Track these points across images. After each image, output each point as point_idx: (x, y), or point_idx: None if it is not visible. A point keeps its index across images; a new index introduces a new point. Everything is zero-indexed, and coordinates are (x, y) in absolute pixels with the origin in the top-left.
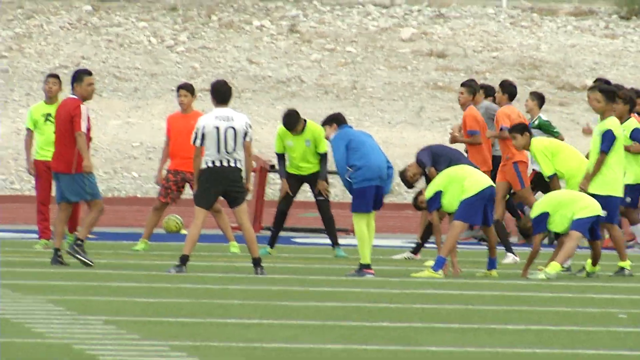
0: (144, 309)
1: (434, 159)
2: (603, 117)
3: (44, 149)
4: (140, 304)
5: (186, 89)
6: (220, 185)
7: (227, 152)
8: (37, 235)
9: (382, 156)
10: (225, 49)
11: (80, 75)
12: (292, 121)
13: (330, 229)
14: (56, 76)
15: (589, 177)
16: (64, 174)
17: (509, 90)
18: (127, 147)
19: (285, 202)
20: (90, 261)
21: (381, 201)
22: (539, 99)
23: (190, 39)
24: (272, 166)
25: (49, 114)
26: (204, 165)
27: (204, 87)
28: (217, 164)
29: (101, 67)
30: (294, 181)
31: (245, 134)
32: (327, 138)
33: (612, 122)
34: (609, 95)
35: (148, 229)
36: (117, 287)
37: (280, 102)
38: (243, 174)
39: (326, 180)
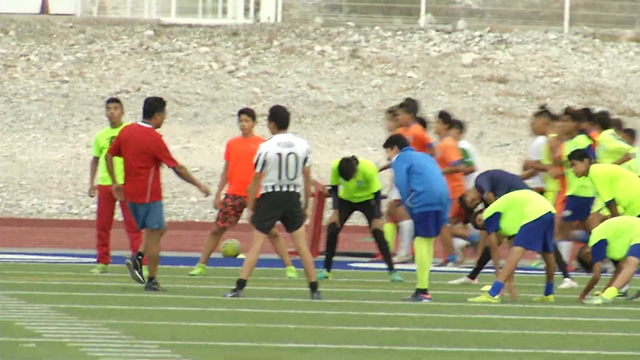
0: (200, 333)
1: (493, 184)
2: None
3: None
4: (196, 328)
5: (248, 113)
6: (279, 210)
7: (289, 179)
8: (95, 260)
9: (443, 181)
10: (286, 74)
11: (162, 106)
12: (349, 171)
13: (385, 254)
14: (117, 100)
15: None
16: (141, 204)
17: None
18: None
19: (334, 226)
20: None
21: (441, 224)
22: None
23: (252, 64)
24: (330, 191)
25: (114, 137)
26: (263, 190)
27: (264, 112)
28: (277, 189)
29: (162, 92)
30: (345, 207)
31: (306, 160)
32: (388, 160)
33: None
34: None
35: (206, 254)
36: (173, 312)
37: (341, 127)
38: (302, 198)
39: (380, 217)
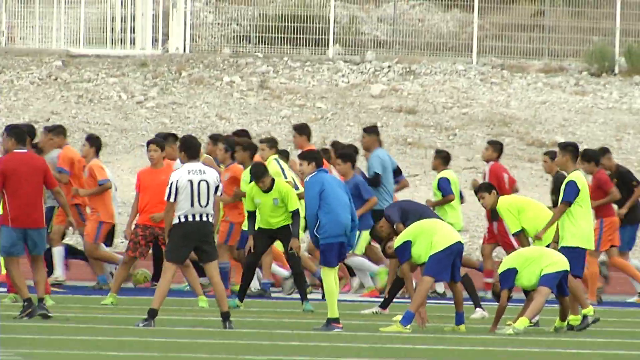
0: None
1: (403, 215)
2: (568, 172)
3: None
4: (108, 357)
5: (156, 143)
6: (192, 241)
7: (201, 206)
8: (5, 290)
9: (349, 210)
10: (195, 104)
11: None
12: (259, 172)
13: (299, 284)
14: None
15: (546, 227)
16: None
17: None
18: None
19: (254, 257)
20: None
21: (344, 255)
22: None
23: (161, 94)
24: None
25: None
26: (176, 220)
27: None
28: (190, 218)
29: (71, 122)
30: (265, 237)
31: (217, 188)
32: (301, 173)
33: (576, 175)
34: (567, 148)
35: (117, 283)
36: (85, 341)
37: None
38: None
39: (298, 238)
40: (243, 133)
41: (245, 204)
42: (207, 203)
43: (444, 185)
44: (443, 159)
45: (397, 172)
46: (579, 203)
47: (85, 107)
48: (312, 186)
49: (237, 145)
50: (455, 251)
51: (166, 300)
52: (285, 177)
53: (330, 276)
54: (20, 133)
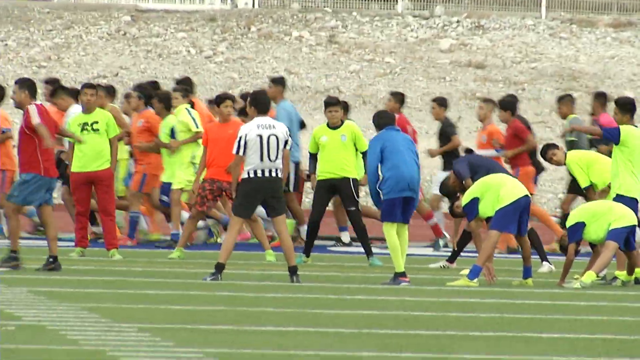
0: (179, 316)
1: (472, 170)
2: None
3: (82, 160)
4: (175, 311)
5: (231, 99)
6: (260, 196)
7: (270, 160)
8: (72, 243)
9: (414, 166)
10: (264, 59)
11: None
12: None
13: (363, 239)
14: (94, 86)
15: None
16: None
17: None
18: None
19: (317, 213)
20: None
21: (412, 209)
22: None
23: (229, 49)
24: (309, 175)
25: (86, 123)
26: (244, 175)
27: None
28: (259, 174)
29: (140, 77)
30: (324, 191)
31: (286, 142)
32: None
33: (627, 129)
34: (626, 107)
35: (184, 237)
36: (152, 295)
37: (319, 112)
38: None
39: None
40: (154, 85)
41: (309, 145)
42: (277, 157)
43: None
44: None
45: (302, 126)
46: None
47: (154, 62)
48: (374, 144)
49: (155, 96)
50: (522, 205)
51: (234, 255)
52: (197, 127)
53: (392, 231)
54: (32, 85)
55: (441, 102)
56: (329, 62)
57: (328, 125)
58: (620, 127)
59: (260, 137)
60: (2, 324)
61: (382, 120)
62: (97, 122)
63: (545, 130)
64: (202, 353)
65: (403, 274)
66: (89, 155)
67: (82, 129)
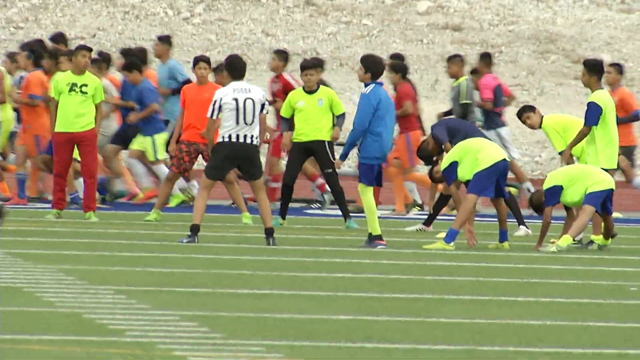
0: (155, 279)
1: (450, 134)
2: (592, 90)
3: (66, 121)
4: (151, 274)
5: (207, 62)
6: (234, 162)
7: (246, 124)
8: (49, 205)
9: (392, 133)
10: (241, 21)
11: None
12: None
13: (340, 201)
14: (90, 49)
15: (568, 149)
16: None
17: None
18: None
19: (290, 176)
20: None
21: (381, 174)
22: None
23: (207, 11)
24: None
25: (75, 84)
26: (220, 139)
27: (219, 60)
28: (234, 138)
29: (117, 38)
30: (299, 154)
31: (263, 106)
32: (361, 81)
33: (597, 95)
34: (595, 68)
35: (160, 200)
36: (128, 257)
37: (296, 74)
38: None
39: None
40: (41, 43)
41: (283, 109)
42: (253, 121)
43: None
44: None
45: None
46: (601, 124)
47: (132, 24)
48: (370, 99)
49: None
50: (500, 168)
51: (210, 217)
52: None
53: (369, 194)
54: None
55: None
56: (306, 24)
57: (304, 89)
58: (598, 102)
59: (236, 100)
60: None
61: (378, 67)
62: (86, 85)
63: (523, 93)
64: (179, 316)
65: (379, 237)
66: (74, 116)
67: (71, 89)
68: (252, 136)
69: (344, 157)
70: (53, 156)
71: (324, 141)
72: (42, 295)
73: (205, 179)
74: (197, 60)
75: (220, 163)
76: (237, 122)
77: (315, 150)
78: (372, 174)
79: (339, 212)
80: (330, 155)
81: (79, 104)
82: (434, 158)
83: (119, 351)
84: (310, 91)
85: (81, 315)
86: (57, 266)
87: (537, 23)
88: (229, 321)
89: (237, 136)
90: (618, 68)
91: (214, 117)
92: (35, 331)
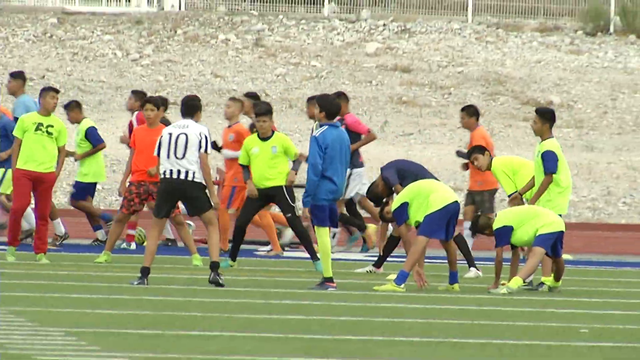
0: (106, 320)
1: (400, 175)
2: (543, 139)
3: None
4: (101, 315)
5: (153, 102)
6: (174, 197)
7: (177, 158)
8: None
9: (344, 173)
10: (190, 62)
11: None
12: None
13: (305, 242)
14: (57, 91)
15: (535, 198)
16: None
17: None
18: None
19: (244, 219)
20: None
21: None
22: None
23: (156, 52)
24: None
25: (41, 124)
26: (160, 175)
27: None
28: (168, 175)
29: (66, 79)
30: (256, 199)
31: (200, 144)
32: (311, 117)
33: (551, 143)
34: (546, 116)
35: (111, 241)
36: (78, 299)
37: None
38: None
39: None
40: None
41: (240, 157)
42: (184, 156)
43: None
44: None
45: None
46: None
47: (81, 65)
48: (318, 143)
49: None
50: (451, 211)
51: (161, 259)
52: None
53: (324, 236)
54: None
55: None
56: (255, 66)
57: (258, 135)
58: (554, 150)
59: (170, 134)
60: None
61: (333, 108)
62: (52, 126)
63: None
64: (129, 358)
65: (330, 279)
66: (38, 156)
67: (37, 129)
68: (186, 172)
69: (306, 203)
70: (14, 190)
71: (281, 186)
72: None
73: (153, 218)
74: (144, 102)
75: (161, 200)
76: (168, 156)
77: (274, 196)
78: (324, 214)
79: (290, 254)
80: (289, 199)
81: (45, 145)
82: (384, 199)
83: None
84: (264, 138)
85: (31, 356)
86: (7, 308)
87: (486, 64)
88: None
89: (171, 172)
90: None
91: (155, 153)
92: None
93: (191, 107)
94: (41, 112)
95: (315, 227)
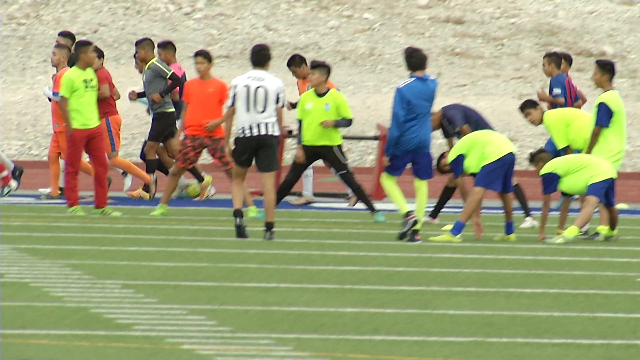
0: (162, 273)
1: (465, 119)
2: (603, 90)
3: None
4: (158, 268)
5: (203, 55)
6: (253, 149)
7: (257, 111)
8: (51, 201)
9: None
10: (242, 15)
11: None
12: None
13: (362, 197)
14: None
15: (587, 151)
16: None
17: None
18: (144, 114)
19: (294, 174)
20: None
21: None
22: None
23: (208, 5)
24: (290, 132)
25: (86, 80)
26: (235, 134)
27: (221, 54)
28: (247, 131)
29: (118, 34)
30: (307, 154)
31: (278, 98)
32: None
33: (609, 96)
34: (606, 68)
35: (166, 194)
36: (135, 252)
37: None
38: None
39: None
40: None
41: (297, 110)
42: (264, 109)
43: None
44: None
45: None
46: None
47: (133, 19)
48: (402, 95)
49: None
50: (507, 162)
51: (216, 211)
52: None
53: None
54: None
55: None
56: (308, 18)
57: (315, 91)
58: (608, 103)
59: (248, 87)
60: None
61: (415, 60)
62: (92, 79)
63: (525, 86)
64: (186, 310)
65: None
66: (90, 112)
67: (86, 87)
68: (266, 125)
69: (387, 152)
70: (70, 152)
71: (331, 147)
72: (50, 290)
73: (236, 167)
74: (196, 54)
75: (240, 154)
76: (248, 110)
77: (324, 156)
78: (399, 163)
79: (341, 206)
80: (340, 157)
81: (92, 99)
82: (443, 153)
83: (126, 345)
84: (319, 94)
85: (89, 309)
86: (64, 261)
87: (539, 16)
88: (236, 314)
89: (251, 127)
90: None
91: (229, 104)
92: (42, 326)
93: (264, 57)
94: (82, 67)
95: (383, 174)
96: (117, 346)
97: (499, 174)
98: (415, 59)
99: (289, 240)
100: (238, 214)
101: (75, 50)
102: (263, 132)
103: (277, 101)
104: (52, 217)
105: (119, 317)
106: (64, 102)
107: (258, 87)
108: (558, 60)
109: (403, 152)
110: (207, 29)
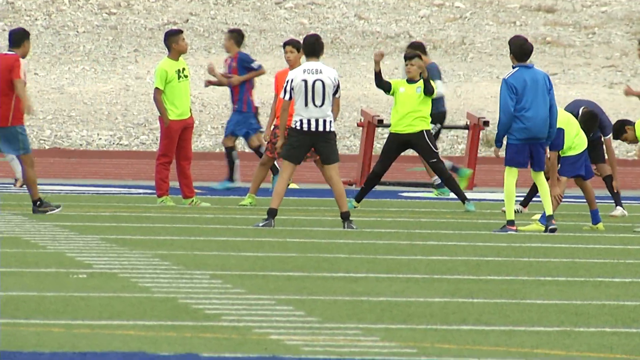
0: (251, 263)
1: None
2: None
3: (181, 108)
4: (246, 258)
5: (292, 45)
6: (309, 146)
7: (316, 106)
8: (140, 191)
9: (543, 112)
10: (333, 4)
11: (27, 35)
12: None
13: (453, 187)
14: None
15: None
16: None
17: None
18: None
19: (382, 166)
20: (57, 205)
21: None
22: None
23: None
24: (380, 121)
25: (179, 70)
26: (292, 124)
27: None
28: (305, 125)
29: (210, 23)
30: (395, 145)
31: (335, 90)
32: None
33: None
34: None
35: (255, 184)
36: (223, 242)
37: (389, 57)
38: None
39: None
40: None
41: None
42: (323, 103)
43: None
44: None
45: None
46: None
47: (224, 8)
48: (508, 86)
49: None
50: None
51: (304, 201)
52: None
53: (510, 176)
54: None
55: None
56: (399, 7)
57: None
58: None
59: (305, 81)
60: (73, 272)
61: (520, 50)
62: (184, 69)
63: (616, 75)
64: (274, 300)
65: (512, 222)
66: (185, 102)
67: (179, 77)
68: (324, 121)
69: (497, 144)
70: (165, 143)
71: (422, 132)
72: (138, 281)
73: (285, 162)
74: (285, 44)
75: (296, 150)
76: (306, 104)
77: (415, 143)
78: (513, 153)
79: (429, 196)
80: (431, 144)
81: (187, 89)
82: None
83: (214, 336)
84: (410, 81)
85: (177, 300)
86: (152, 252)
87: (630, 4)
88: (324, 305)
89: (309, 122)
90: None
91: (286, 98)
92: (131, 316)
93: (319, 47)
94: (175, 57)
95: (506, 167)
96: (204, 337)
97: (583, 163)
98: (525, 49)
99: (378, 230)
100: (273, 213)
101: (165, 40)
102: (321, 128)
103: (335, 92)
104: (141, 207)
105: (207, 307)
106: (158, 93)
107: (316, 81)
108: None
109: (520, 142)
110: (298, 17)
